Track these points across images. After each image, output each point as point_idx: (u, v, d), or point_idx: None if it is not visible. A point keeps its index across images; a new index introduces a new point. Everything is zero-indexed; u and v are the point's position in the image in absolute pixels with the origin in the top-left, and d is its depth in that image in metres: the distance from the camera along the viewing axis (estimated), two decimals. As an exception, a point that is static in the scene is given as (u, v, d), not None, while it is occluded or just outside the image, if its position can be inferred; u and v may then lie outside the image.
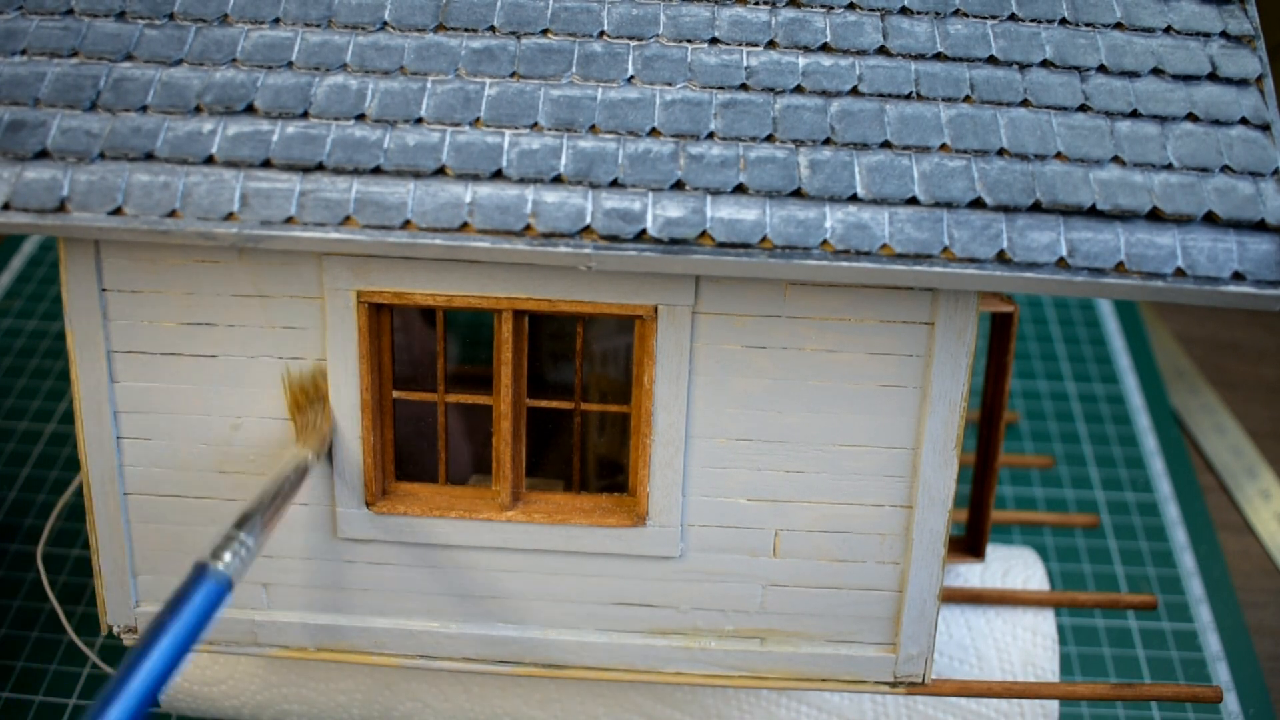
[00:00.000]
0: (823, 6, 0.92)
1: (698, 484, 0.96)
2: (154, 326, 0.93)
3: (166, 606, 0.76)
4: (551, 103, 0.87)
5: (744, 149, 0.86)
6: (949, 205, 0.84)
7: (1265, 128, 0.88)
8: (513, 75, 0.88)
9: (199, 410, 0.95)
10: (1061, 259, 0.83)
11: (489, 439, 0.96)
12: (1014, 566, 1.20)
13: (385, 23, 0.90)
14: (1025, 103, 0.88)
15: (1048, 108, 0.88)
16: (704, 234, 0.83)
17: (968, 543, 1.17)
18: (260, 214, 0.83)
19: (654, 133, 0.86)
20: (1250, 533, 1.53)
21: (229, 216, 0.83)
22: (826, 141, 0.86)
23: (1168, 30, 0.92)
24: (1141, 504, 1.52)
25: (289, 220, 0.83)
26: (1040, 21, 0.92)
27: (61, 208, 0.83)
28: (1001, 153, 0.86)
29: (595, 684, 1.14)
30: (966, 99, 0.88)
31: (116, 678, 0.71)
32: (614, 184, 0.84)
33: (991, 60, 0.90)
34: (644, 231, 0.83)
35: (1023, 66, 0.90)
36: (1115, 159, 0.86)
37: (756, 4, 0.92)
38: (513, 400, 0.94)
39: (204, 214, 0.83)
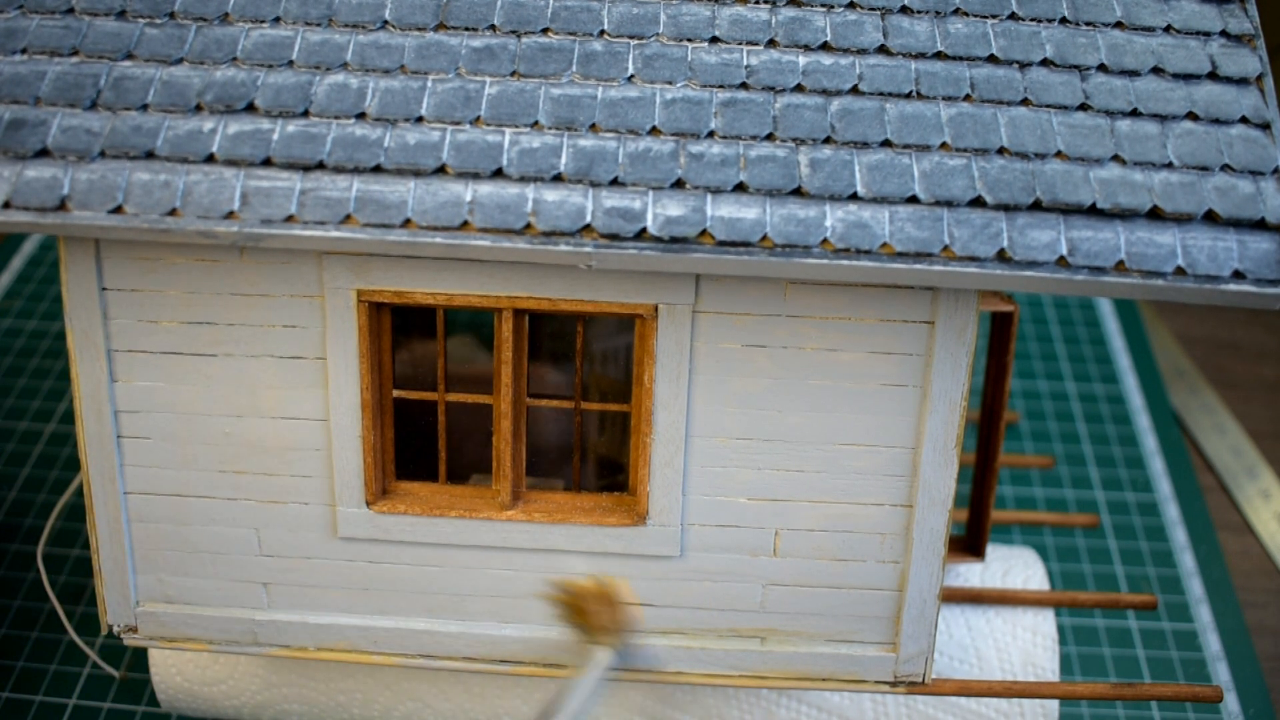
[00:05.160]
0: (823, 6, 0.92)
1: (698, 483, 0.96)
2: (154, 326, 0.93)
3: None
4: (552, 101, 0.87)
5: (744, 148, 0.86)
6: (949, 204, 0.84)
7: (1265, 127, 0.88)
8: (513, 74, 0.88)
9: (199, 410, 0.95)
10: (1062, 258, 0.83)
11: (488, 438, 0.96)
12: (1014, 566, 1.20)
13: (386, 22, 0.90)
14: (1025, 102, 0.88)
15: (1048, 107, 0.88)
16: (704, 232, 0.83)
17: (968, 542, 1.17)
18: (261, 213, 0.84)
19: (654, 131, 0.86)
20: (1250, 533, 1.53)
21: (229, 215, 0.83)
22: (827, 140, 0.86)
23: (1168, 29, 0.92)
24: (1141, 504, 1.52)
25: (289, 219, 0.84)
26: (1040, 21, 0.92)
27: (62, 206, 0.84)
28: (1002, 151, 0.86)
29: (595, 684, 1.14)
30: (967, 98, 0.88)
31: None
32: (614, 182, 0.84)
33: (992, 59, 0.90)
34: (644, 230, 0.83)
35: (1023, 65, 0.90)
36: (1115, 158, 0.86)
37: (757, 3, 0.92)
38: (513, 399, 0.94)
39: (204, 213, 0.83)
